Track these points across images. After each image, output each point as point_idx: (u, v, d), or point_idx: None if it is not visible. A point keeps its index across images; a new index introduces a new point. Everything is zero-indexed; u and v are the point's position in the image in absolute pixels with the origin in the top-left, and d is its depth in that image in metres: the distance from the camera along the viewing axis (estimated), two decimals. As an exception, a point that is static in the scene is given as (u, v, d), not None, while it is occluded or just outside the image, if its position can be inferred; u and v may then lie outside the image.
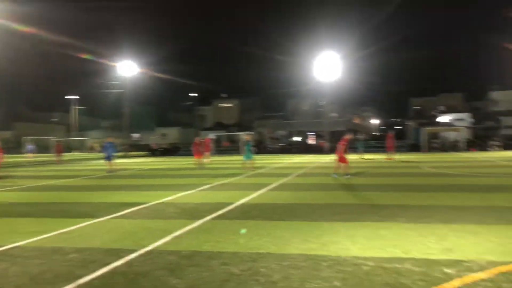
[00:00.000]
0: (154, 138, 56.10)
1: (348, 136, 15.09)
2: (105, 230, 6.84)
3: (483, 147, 40.80)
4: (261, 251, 5.29)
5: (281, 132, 65.02)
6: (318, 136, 56.66)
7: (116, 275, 4.52)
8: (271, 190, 11.75)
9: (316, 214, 7.78)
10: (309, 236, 6.02)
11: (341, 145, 14.73)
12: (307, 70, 46.75)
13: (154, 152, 47.64)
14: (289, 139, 59.83)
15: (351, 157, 31.69)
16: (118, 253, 5.33)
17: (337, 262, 4.72)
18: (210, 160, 27.88)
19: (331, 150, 45.00)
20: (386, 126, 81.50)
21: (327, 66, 43.36)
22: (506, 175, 14.59)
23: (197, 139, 23.02)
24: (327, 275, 4.29)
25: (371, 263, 4.63)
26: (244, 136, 20.34)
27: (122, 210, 8.65)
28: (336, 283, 4.04)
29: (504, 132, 52.37)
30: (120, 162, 33.23)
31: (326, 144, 45.42)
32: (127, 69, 46.37)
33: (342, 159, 14.75)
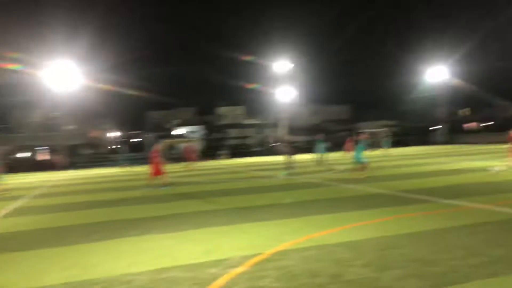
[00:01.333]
0: None
1: (158, 147, 14.73)
2: None
3: (214, 157, 45.99)
4: (11, 289, 4.52)
5: (2, 148, 56.03)
6: (53, 150, 51.76)
7: None
8: (4, 217, 10.09)
9: (69, 237, 7.14)
10: (67, 262, 5.49)
11: (154, 157, 14.19)
12: (35, 78, 42.11)
13: None
14: (11, 156, 52.19)
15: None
16: None
17: (108, 283, 4.49)
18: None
19: (69, 166, 41.91)
20: (126, 138, 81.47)
21: (62, 75, 40.36)
22: (240, 179, 16.93)
23: None
24: (100, 299, 4.04)
25: (142, 277, 4.61)
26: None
27: None
28: (112, 305, 3.86)
29: (231, 142, 60.43)
30: None
31: (61, 159, 42.03)
32: None
33: (157, 172, 14.23)
